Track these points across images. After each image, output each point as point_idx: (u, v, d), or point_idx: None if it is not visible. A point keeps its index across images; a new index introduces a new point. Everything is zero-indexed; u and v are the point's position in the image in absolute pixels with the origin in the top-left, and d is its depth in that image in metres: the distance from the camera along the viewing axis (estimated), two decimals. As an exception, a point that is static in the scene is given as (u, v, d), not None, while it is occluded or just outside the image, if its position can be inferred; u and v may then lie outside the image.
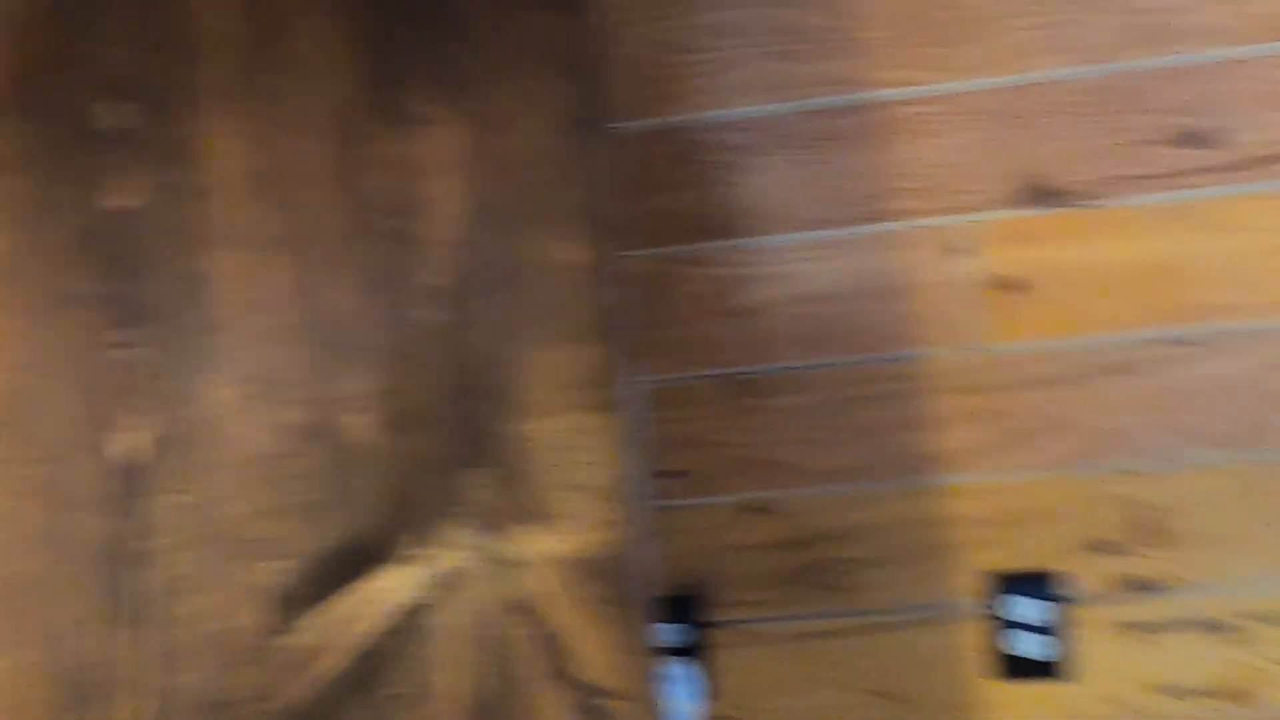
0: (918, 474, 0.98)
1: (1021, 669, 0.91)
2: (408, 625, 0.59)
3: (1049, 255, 0.95)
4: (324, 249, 0.64)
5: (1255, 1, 0.92)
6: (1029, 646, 0.91)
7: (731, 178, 1.00)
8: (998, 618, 0.92)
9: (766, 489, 1.00)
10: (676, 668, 0.89)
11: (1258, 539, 0.90)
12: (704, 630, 0.96)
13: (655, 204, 1.00)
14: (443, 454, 0.61)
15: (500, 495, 0.60)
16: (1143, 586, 0.91)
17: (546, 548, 0.59)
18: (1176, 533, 0.91)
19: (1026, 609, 0.91)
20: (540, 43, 0.62)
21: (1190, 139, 0.93)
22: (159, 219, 0.65)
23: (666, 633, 0.92)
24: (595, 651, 0.57)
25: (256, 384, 0.63)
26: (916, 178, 0.98)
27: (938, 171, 0.97)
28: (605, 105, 0.62)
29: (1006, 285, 0.96)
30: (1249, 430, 0.91)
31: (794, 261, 1.00)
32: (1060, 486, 0.93)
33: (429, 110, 0.63)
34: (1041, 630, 0.91)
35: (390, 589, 0.60)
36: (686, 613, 0.96)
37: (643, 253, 0.98)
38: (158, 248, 0.65)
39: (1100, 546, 0.92)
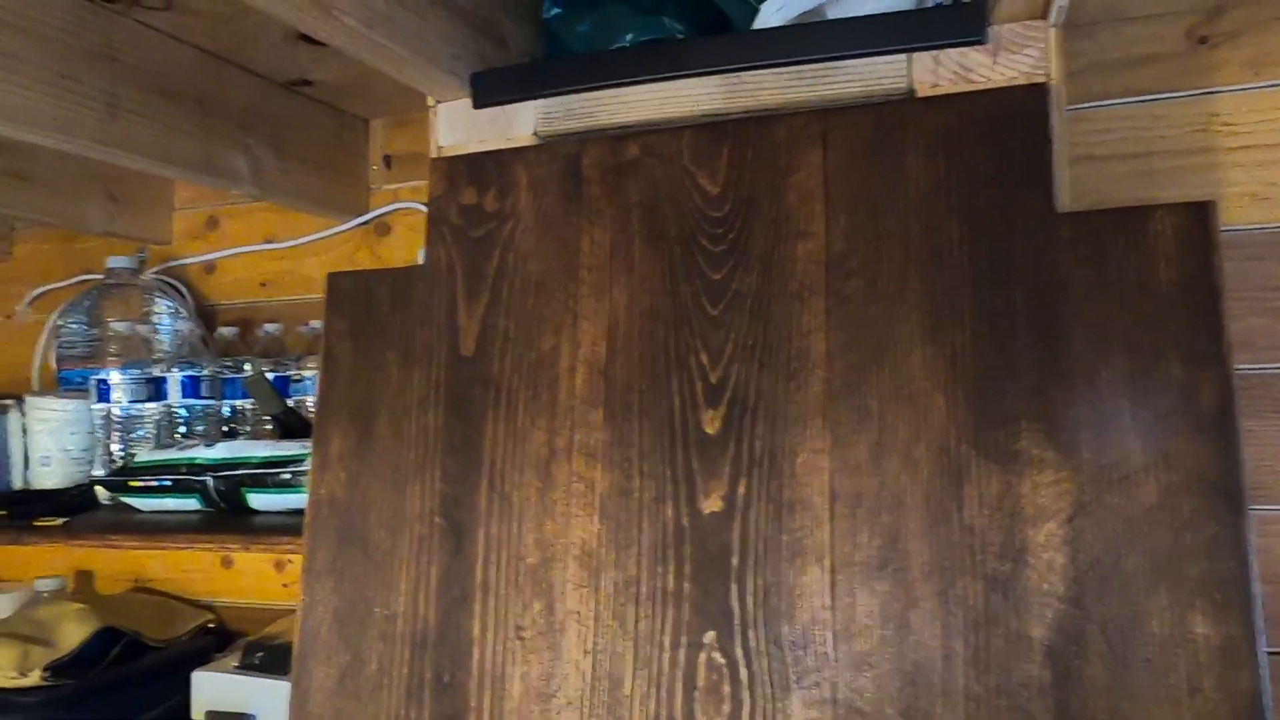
0: None
1: None
2: None
3: None
4: (917, 581, 0.62)
5: None
6: None
7: (1207, 441, 0.93)
8: None
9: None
10: None
11: None
12: None
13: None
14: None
15: None
16: None
17: None
18: None
19: None
20: (1172, 398, 0.59)
21: None
22: (746, 526, 0.66)
23: None
24: None
25: (839, 709, 0.62)
26: None
27: None
28: (1243, 468, 0.58)
29: None
30: None
31: (1272, 535, 0.91)
32: None
33: (1039, 453, 0.61)
34: None
35: None
36: None
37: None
38: (744, 554, 0.65)
39: None
